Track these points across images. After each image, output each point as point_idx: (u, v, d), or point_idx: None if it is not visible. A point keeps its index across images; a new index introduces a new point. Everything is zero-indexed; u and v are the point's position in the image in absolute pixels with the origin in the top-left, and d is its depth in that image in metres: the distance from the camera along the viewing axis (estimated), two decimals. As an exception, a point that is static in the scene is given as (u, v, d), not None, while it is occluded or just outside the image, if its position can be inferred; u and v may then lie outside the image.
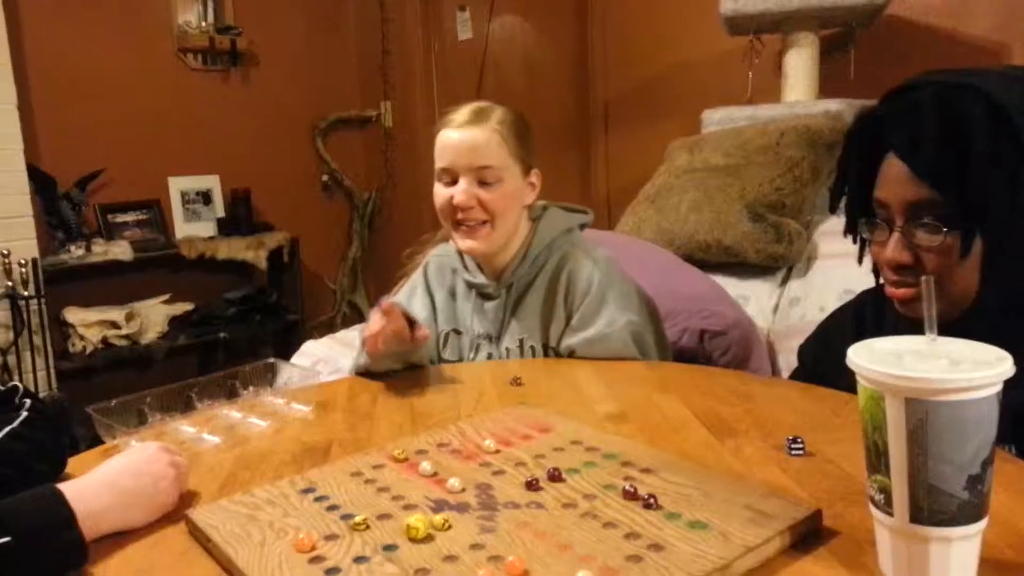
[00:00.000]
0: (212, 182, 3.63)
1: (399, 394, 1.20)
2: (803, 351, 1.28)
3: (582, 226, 1.44)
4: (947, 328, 0.66)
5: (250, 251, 3.45)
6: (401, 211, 4.16)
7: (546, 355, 1.38)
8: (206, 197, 3.61)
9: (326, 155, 4.05)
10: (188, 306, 3.46)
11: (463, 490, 0.81)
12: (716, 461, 0.87)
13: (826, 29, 2.29)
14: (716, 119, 2.33)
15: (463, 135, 1.31)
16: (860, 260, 1.05)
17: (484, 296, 1.42)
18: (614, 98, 3.13)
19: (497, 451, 0.91)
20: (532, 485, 0.81)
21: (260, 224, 3.65)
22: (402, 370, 1.32)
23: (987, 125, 0.87)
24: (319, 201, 4.11)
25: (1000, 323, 0.88)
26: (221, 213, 3.63)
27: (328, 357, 1.81)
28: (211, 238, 3.50)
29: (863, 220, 0.99)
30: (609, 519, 0.73)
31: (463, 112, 1.34)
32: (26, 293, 2.83)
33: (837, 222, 1.93)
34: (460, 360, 1.44)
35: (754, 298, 1.86)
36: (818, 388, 1.08)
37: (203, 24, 3.55)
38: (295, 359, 1.84)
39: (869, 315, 1.14)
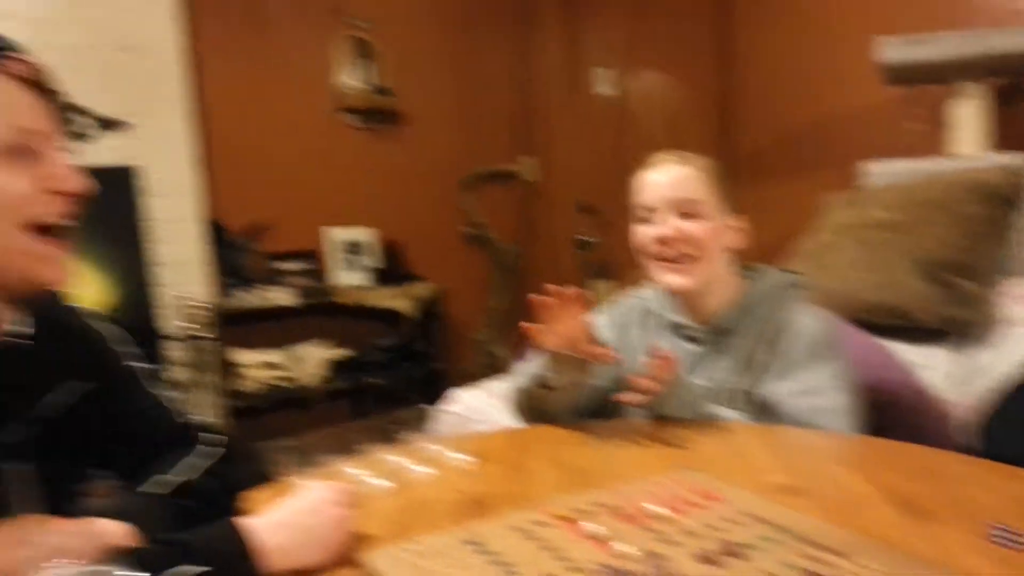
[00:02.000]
0: (368, 234, 3.83)
1: (554, 449, 1.19)
2: (986, 430, 1.16)
3: (799, 286, 1.39)
4: None
5: (400, 300, 3.59)
6: (542, 264, 4.20)
7: (738, 402, 1.32)
8: (362, 248, 3.81)
9: (472, 209, 4.19)
10: (343, 352, 3.62)
11: (631, 557, 0.79)
12: (907, 546, 0.80)
13: (997, 78, 2.13)
14: (876, 172, 2.21)
15: (661, 172, 1.34)
16: None
17: (686, 339, 1.38)
18: (758, 150, 3.06)
19: (664, 517, 0.88)
20: (707, 558, 0.77)
21: (410, 274, 3.80)
22: (567, 409, 1.29)
23: None
24: (465, 253, 4.23)
25: None
26: (375, 263, 3.82)
27: (479, 407, 1.84)
28: (365, 287, 3.67)
29: None
30: (795, 602, 0.68)
31: (665, 156, 1.36)
32: (201, 335, 3.08)
33: (1026, 285, 1.76)
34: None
35: (929, 366, 1.72)
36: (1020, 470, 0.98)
37: (361, 86, 3.80)
38: (446, 407, 1.88)
39: None
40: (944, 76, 2.13)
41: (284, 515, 0.83)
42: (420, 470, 1.11)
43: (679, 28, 3.35)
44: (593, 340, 1.23)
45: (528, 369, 1.32)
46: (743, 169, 3.09)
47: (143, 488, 0.86)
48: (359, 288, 3.62)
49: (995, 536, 0.79)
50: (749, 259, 1.44)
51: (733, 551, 0.78)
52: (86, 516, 0.77)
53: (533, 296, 1.18)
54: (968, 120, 2.11)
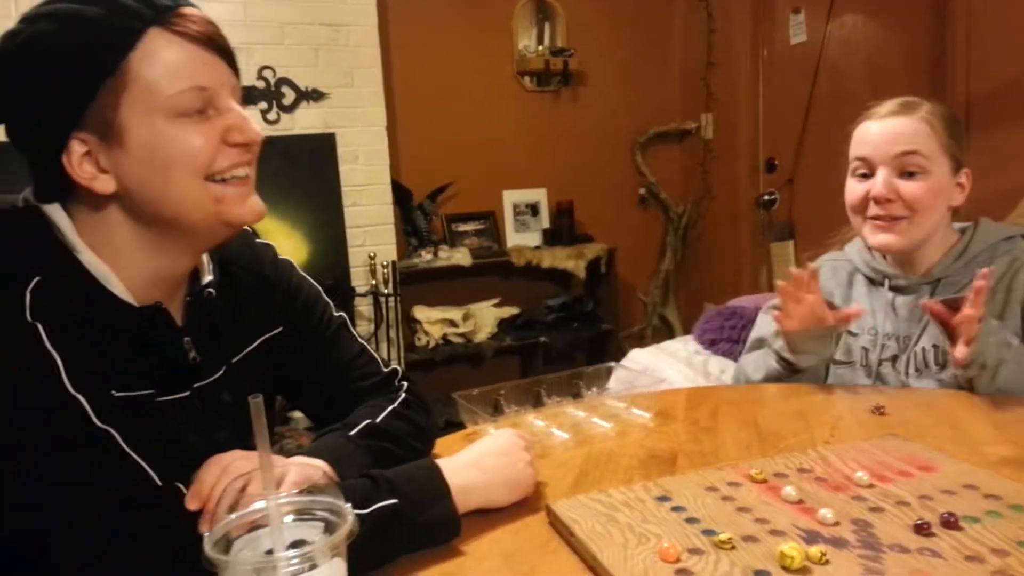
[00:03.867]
0: (540, 195, 3.87)
1: (741, 410, 1.15)
2: None
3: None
4: None
5: (570, 261, 3.60)
6: (716, 224, 4.05)
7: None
8: (534, 209, 3.86)
9: (644, 168, 4.10)
10: (515, 310, 3.71)
11: (837, 523, 0.74)
12: None
13: None
14: None
15: (885, 124, 1.24)
16: None
17: (898, 290, 1.29)
18: (979, 99, 2.73)
19: (871, 485, 0.82)
20: (922, 529, 0.71)
21: (580, 235, 3.81)
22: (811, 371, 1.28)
23: None
24: (635, 214, 4.17)
25: None
26: (546, 224, 3.85)
27: (654, 367, 1.81)
28: (536, 247, 3.72)
29: None
30: (1033, 584, 0.61)
31: (888, 104, 1.27)
32: (386, 291, 3.27)
33: None
34: (851, 363, 1.33)
35: None
36: None
37: (540, 48, 3.80)
38: (625, 364, 1.87)
39: None
40: None
41: (473, 456, 0.86)
42: (601, 424, 1.12)
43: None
44: (833, 307, 1.22)
45: (758, 358, 1.32)
46: (961, 119, 2.78)
47: (338, 430, 0.90)
48: (531, 248, 3.67)
49: None
50: (968, 214, 1.31)
51: (953, 524, 0.72)
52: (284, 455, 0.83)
53: (779, 283, 1.21)
54: None
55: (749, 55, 3.72)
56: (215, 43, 0.78)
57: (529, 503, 0.86)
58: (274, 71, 3.11)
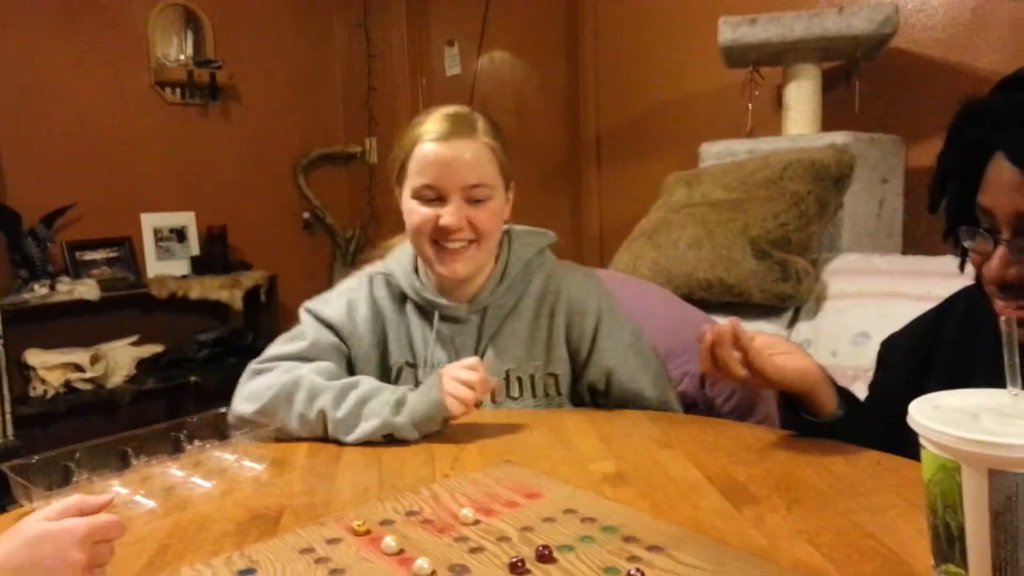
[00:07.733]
0: (187, 219, 3.50)
1: (367, 450, 1.06)
2: (886, 347, 1.10)
3: (551, 247, 1.31)
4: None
5: (225, 290, 3.30)
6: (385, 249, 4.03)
7: (534, 387, 1.22)
8: (180, 234, 3.47)
9: (308, 192, 3.94)
10: (158, 348, 3.29)
11: (433, 573, 0.67)
12: (734, 534, 0.73)
13: (828, 61, 2.21)
14: (715, 152, 2.23)
15: (452, 150, 1.15)
16: (961, 268, 0.92)
17: (449, 320, 1.23)
18: (607, 133, 3.05)
19: (476, 522, 0.77)
20: (517, 567, 0.67)
21: (237, 263, 3.51)
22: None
23: None
24: (300, 239, 3.98)
25: None
26: (196, 251, 3.50)
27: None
28: (184, 277, 3.35)
29: (963, 228, 0.85)
30: (612, 615, 0.59)
31: (441, 121, 1.17)
32: (-18, 335, 2.67)
33: (848, 260, 1.82)
34: None
35: (759, 341, 1.73)
36: (847, 446, 0.95)
37: (181, 57, 3.46)
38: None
39: (960, 311, 0.99)
40: (779, 57, 2.17)
41: None
42: (201, 484, 0.95)
43: (531, 8, 3.30)
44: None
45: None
46: (593, 151, 3.08)
47: None
48: (176, 278, 3.30)
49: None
50: (582, 239, 1.36)
51: (547, 556, 0.68)
52: None
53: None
54: (801, 101, 2.15)
55: (408, 83, 3.77)
56: None
57: (77, 603, 0.67)
58: None
